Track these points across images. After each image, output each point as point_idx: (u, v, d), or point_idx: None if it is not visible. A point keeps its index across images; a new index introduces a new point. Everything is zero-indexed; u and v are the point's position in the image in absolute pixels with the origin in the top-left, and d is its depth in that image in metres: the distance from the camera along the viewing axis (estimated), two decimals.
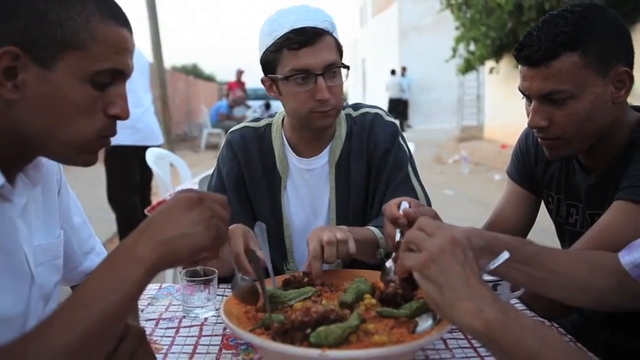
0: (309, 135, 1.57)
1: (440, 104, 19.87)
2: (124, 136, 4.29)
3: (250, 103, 15.06)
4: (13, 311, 0.93)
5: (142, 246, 0.78)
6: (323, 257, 1.25)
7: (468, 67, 11.83)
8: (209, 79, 37.79)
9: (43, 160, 1.00)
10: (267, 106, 14.37)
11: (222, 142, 1.67)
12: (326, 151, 1.60)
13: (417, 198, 1.50)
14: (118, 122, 0.93)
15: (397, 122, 1.65)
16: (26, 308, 0.96)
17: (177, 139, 14.51)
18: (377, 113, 1.62)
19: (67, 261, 1.12)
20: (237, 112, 13.96)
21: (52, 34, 0.83)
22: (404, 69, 19.48)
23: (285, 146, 1.61)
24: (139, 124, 4.48)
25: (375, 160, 1.57)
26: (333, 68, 1.45)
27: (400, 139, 1.61)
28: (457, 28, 11.57)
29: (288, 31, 1.41)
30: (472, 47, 11.24)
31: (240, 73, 15.20)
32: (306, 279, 1.24)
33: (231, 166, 1.61)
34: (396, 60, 20.02)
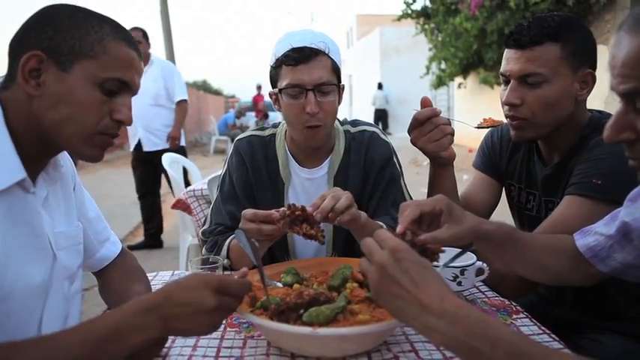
0: (306, 149, 1.51)
1: None
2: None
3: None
4: (35, 280, 0.95)
5: (157, 328, 0.79)
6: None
7: (440, 82, 11.84)
8: (217, 93, 37.65)
9: (61, 161, 1.05)
10: (266, 116, 14.34)
11: (229, 147, 1.63)
12: (326, 162, 1.53)
13: None
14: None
15: (391, 143, 1.58)
16: (48, 281, 0.98)
17: (189, 145, 14.38)
18: (374, 132, 1.56)
19: (85, 249, 1.14)
20: (243, 121, 13.95)
21: (72, 44, 0.90)
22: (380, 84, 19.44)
23: (287, 155, 1.54)
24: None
25: (371, 176, 1.51)
26: (324, 86, 1.38)
27: (394, 157, 1.56)
28: (430, 50, 11.59)
29: (288, 49, 1.37)
30: (443, 66, 11.25)
31: (259, 87, 15.24)
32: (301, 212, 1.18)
33: (240, 172, 1.54)
34: (378, 77, 20.00)
